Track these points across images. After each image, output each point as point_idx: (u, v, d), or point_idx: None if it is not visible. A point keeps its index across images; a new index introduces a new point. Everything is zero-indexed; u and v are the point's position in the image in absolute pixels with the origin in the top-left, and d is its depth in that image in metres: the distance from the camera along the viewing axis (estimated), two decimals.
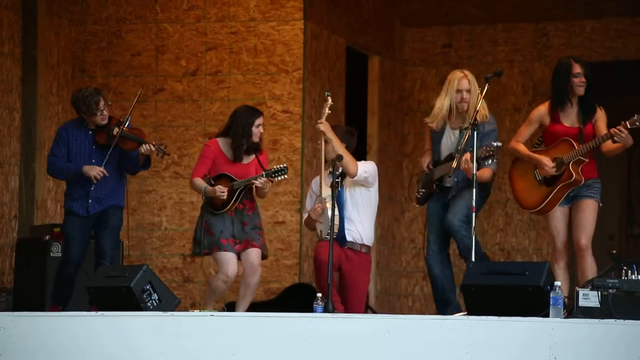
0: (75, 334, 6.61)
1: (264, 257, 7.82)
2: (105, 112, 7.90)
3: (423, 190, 7.71)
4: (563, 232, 7.34)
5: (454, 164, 7.34)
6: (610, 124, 7.30)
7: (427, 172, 7.71)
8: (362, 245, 7.71)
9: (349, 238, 7.67)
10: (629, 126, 7.06)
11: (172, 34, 10.01)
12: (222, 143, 7.82)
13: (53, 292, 8.02)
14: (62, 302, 7.88)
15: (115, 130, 7.85)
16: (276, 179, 7.68)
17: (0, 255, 9.36)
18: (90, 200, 7.86)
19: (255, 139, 7.77)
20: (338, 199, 7.61)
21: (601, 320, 5.87)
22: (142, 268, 7.00)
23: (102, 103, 7.87)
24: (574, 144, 7.24)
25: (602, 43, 10.72)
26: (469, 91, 7.54)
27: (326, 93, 7.73)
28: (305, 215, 7.89)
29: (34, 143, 9.64)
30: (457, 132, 7.57)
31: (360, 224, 7.72)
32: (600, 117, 7.31)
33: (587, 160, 7.26)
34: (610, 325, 5.81)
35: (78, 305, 7.89)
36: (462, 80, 7.55)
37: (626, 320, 5.82)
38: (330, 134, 7.61)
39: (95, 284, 7.24)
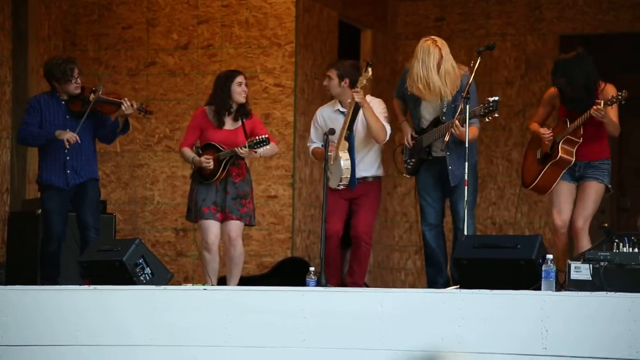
0: (67, 308, 6.62)
1: (251, 225, 7.88)
2: (79, 81, 7.89)
3: (413, 160, 7.66)
4: (565, 213, 7.24)
5: (447, 138, 7.30)
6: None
7: (412, 142, 7.64)
8: (368, 177, 7.70)
9: (359, 179, 7.65)
10: (602, 105, 7.02)
11: (163, 7, 9.96)
12: (208, 111, 7.86)
13: (41, 273, 7.98)
14: (52, 281, 7.85)
15: (92, 97, 7.83)
16: (259, 149, 7.68)
17: None
18: (68, 171, 7.85)
19: (239, 98, 7.76)
20: (350, 146, 7.63)
21: (593, 293, 5.89)
22: (134, 242, 7.00)
23: (76, 71, 7.86)
24: (568, 122, 7.24)
25: (594, 16, 10.69)
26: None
27: (368, 63, 7.63)
28: (311, 145, 7.86)
29: None
30: (433, 101, 7.48)
31: (369, 163, 7.71)
32: (608, 95, 7.17)
33: (580, 141, 7.21)
34: (602, 297, 5.83)
35: (69, 279, 7.88)
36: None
37: (617, 293, 5.84)
38: (365, 103, 7.56)
39: (87, 257, 7.23)
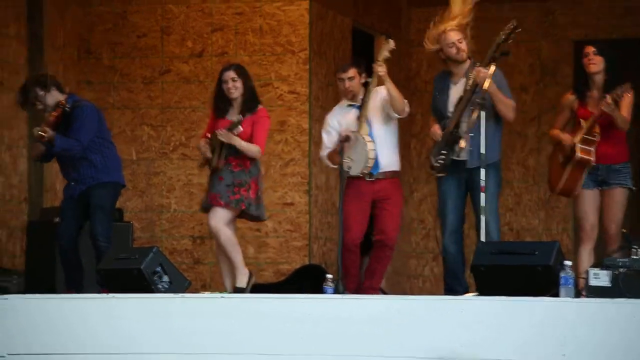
0: (85, 316, 6.63)
1: (252, 214, 7.70)
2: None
3: (443, 152, 7.57)
4: (592, 215, 7.37)
5: (463, 144, 7.30)
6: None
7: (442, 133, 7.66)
8: (388, 172, 7.73)
9: (380, 169, 7.69)
10: (609, 100, 7.09)
11: (177, 15, 9.99)
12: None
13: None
14: (71, 283, 7.89)
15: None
16: (234, 131, 7.56)
17: (11, 238, 9.37)
18: (72, 183, 7.94)
19: (231, 94, 7.70)
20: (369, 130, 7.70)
21: (612, 300, 5.89)
22: (152, 250, 7.02)
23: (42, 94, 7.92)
24: (582, 122, 7.28)
25: (608, 21, 10.68)
26: (460, 40, 7.61)
27: (387, 35, 7.75)
28: (325, 151, 7.88)
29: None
30: (460, 83, 7.57)
31: (387, 154, 7.73)
32: (625, 100, 7.23)
33: (597, 139, 7.25)
34: (621, 304, 5.83)
35: (87, 287, 7.91)
36: (448, 34, 7.57)
37: (637, 300, 5.84)
38: (387, 77, 7.65)
39: (105, 266, 7.26)
